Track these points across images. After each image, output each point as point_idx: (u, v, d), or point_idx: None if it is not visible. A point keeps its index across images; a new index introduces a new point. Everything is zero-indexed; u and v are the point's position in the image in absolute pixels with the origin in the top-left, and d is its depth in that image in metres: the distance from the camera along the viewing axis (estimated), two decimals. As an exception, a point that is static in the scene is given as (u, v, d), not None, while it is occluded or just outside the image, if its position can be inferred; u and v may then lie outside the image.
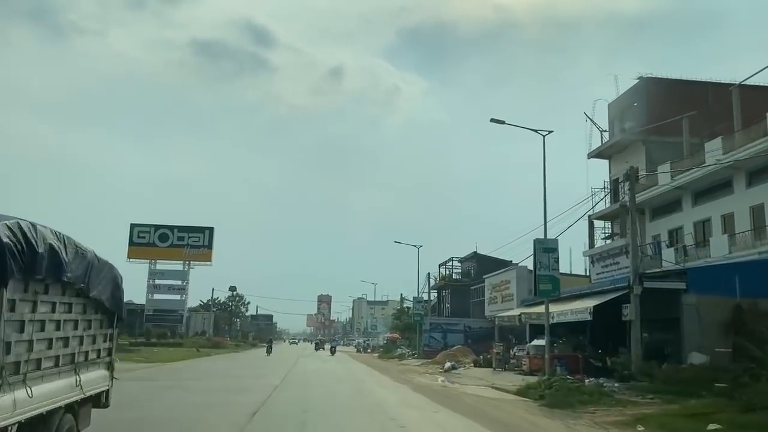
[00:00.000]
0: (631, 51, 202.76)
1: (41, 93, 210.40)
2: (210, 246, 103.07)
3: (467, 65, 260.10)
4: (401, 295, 75.54)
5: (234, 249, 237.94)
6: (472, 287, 55.44)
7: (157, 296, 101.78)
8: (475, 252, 61.65)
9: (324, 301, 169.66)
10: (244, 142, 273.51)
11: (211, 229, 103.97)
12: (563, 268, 50.41)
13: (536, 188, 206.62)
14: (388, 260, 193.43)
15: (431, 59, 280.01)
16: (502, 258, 57.99)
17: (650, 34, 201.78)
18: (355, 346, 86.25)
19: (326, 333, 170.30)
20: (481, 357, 35.21)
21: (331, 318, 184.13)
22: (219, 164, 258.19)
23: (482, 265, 59.51)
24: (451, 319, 50.75)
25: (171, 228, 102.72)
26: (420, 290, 60.46)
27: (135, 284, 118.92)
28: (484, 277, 49.31)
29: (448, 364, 34.44)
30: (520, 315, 31.06)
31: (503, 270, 45.70)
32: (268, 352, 54.80)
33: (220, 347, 71.14)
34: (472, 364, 35.15)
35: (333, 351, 67.75)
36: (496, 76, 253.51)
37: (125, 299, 9.62)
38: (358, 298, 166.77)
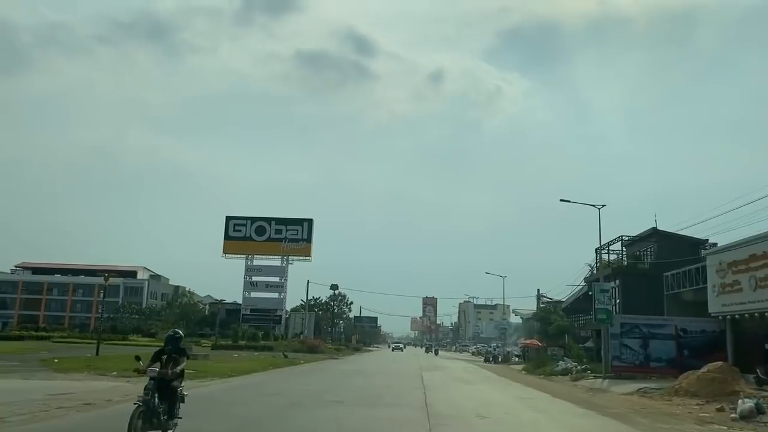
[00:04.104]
0: (749, 42, 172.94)
1: (159, 108, 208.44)
2: (309, 239, 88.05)
3: (571, 62, 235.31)
4: (538, 291, 56.22)
5: (336, 253, 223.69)
6: (666, 273, 35.62)
7: (254, 294, 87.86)
8: (654, 229, 41.73)
9: (429, 303, 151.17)
10: (347, 150, 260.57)
11: (309, 221, 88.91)
12: None
13: (653, 188, 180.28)
14: (492, 263, 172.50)
15: (533, 58, 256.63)
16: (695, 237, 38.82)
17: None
18: (481, 355, 66.85)
19: (432, 337, 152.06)
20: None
21: (437, 322, 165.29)
22: (321, 171, 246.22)
23: (665, 246, 39.99)
24: (654, 317, 31.26)
25: (268, 220, 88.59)
26: (574, 281, 41.57)
27: (231, 282, 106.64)
28: (705, 253, 29.66)
29: (747, 404, 15.47)
30: None
31: (758, 238, 25.82)
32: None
33: (316, 352, 54.82)
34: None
35: (436, 352, 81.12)
36: (602, 72, 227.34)
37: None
38: (465, 301, 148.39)
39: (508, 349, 60.53)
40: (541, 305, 57.40)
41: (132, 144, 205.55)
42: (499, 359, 53.68)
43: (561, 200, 34.19)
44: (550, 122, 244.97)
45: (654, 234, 42.13)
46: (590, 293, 48.98)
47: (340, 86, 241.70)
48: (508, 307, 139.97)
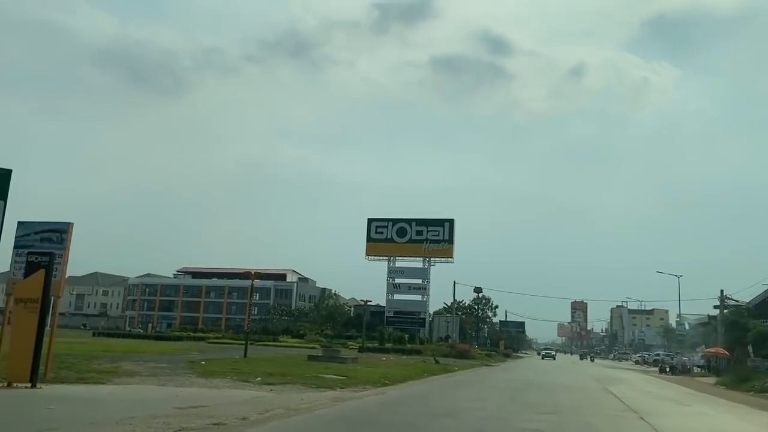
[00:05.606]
0: None
1: (303, 120, 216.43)
2: (451, 240, 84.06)
3: (726, 46, 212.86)
4: (722, 292, 47.68)
5: (476, 255, 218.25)
6: None
7: (397, 296, 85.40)
8: None
9: (578, 308, 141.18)
10: (484, 151, 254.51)
11: (451, 222, 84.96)
12: None
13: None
14: (645, 265, 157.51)
15: (682, 45, 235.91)
16: None
17: None
18: (647, 363, 59.09)
19: (583, 344, 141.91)
20: None
21: (588, 328, 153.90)
22: (459, 174, 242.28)
23: None
24: None
25: (409, 222, 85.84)
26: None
27: (375, 283, 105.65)
28: None
29: None
30: None
31: None
32: None
33: (466, 357, 50.73)
34: None
35: (592, 359, 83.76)
36: (761, 56, 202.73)
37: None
38: (618, 306, 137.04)
39: (684, 358, 52.50)
40: (725, 308, 49.06)
41: (280, 155, 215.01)
42: (678, 370, 46.22)
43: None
44: (705, 112, 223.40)
45: None
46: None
47: (475, 88, 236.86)
48: (666, 311, 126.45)
